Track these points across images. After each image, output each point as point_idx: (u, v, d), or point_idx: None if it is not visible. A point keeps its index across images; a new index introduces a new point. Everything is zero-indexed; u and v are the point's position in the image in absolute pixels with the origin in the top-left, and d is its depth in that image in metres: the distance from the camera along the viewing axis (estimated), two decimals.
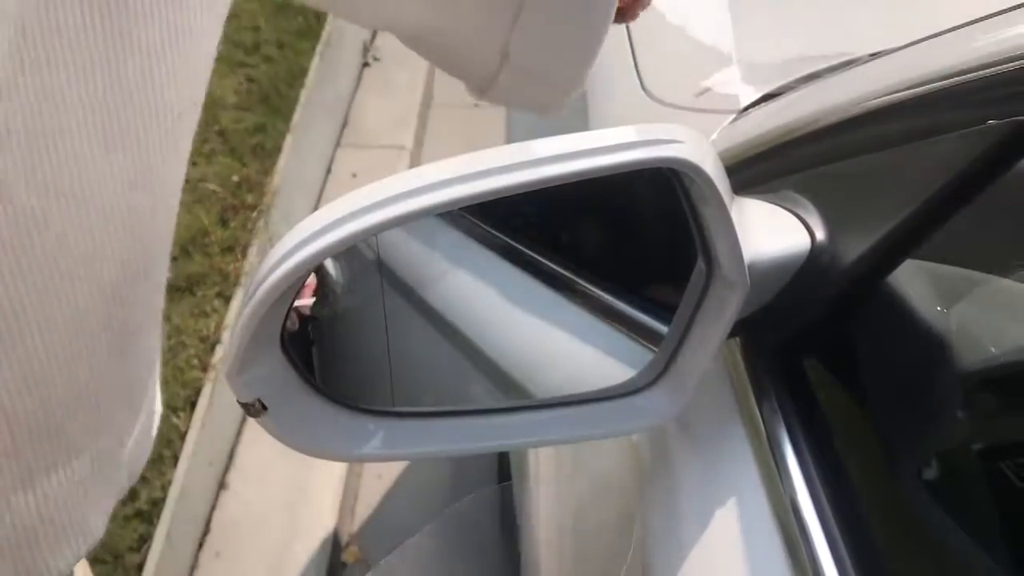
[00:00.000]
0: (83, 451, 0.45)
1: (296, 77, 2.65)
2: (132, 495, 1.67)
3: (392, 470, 1.95)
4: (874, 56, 0.68)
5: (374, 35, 3.21)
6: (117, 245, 0.41)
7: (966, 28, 0.54)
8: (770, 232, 0.58)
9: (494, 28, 0.52)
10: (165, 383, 1.85)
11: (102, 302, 0.42)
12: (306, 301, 0.54)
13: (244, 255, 2.13)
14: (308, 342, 0.55)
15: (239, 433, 1.93)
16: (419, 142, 2.80)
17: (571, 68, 0.57)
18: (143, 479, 1.69)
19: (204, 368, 1.89)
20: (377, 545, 1.83)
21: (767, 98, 0.86)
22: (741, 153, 0.69)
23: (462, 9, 0.51)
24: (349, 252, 0.57)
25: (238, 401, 0.51)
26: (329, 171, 2.66)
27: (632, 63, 1.10)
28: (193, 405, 1.83)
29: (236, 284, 2.06)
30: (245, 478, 1.86)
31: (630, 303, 0.62)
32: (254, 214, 2.22)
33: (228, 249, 2.13)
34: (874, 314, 0.60)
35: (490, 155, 0.45)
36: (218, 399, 1.83)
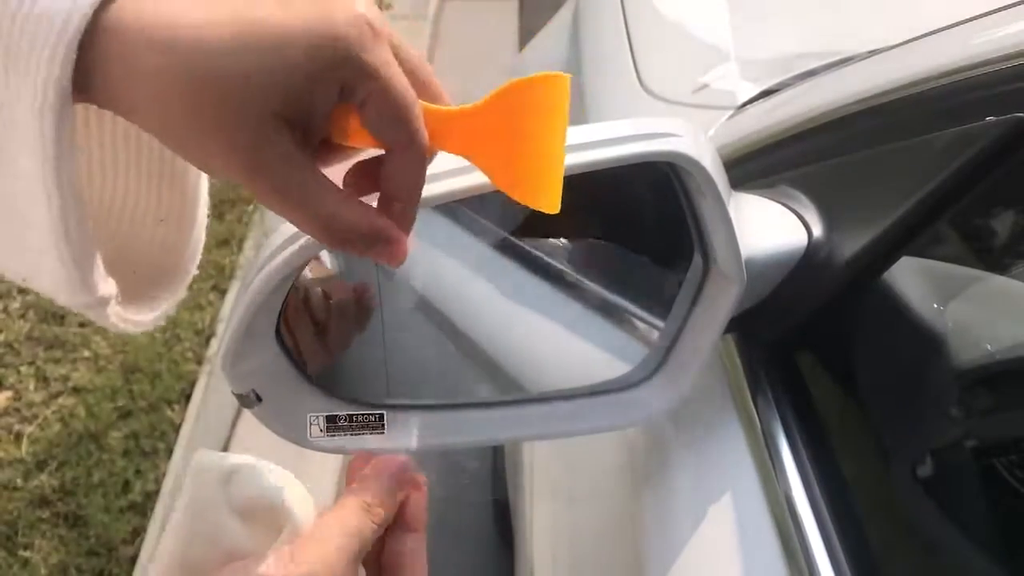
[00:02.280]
0: None
1: None
2: (126, 487, 1.67)
3: None
4: (872, 53, 0.68)
5: None
6: None
7: (964, 25, 0.54)
8: (767, 228, 0.58)
9: None
10: (160, 376, 1.84)
11: None
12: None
13: (240, 248, 2.12)
14: None
15: (234, 425, 1.92)
16: None
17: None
18: (137, 471, 1.68)
19: (199, 361, 1.88)
20: None
21: (765, 94, 0.85)
22: (739, 149, 0.69)
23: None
24: None
25: (232, 391, 0.51)
26: None
27: (630, 59, 1.10)
28: (188, 398, 1.82)
29: (231, 277, 2.05)
30: None
31: (627, 298, 0.62)
32: (249, 207, 2.21)
33: (223, 242, 2.12)
34: (870, 310, 0.60)
35: None
36: (213, 392, 1.83)
